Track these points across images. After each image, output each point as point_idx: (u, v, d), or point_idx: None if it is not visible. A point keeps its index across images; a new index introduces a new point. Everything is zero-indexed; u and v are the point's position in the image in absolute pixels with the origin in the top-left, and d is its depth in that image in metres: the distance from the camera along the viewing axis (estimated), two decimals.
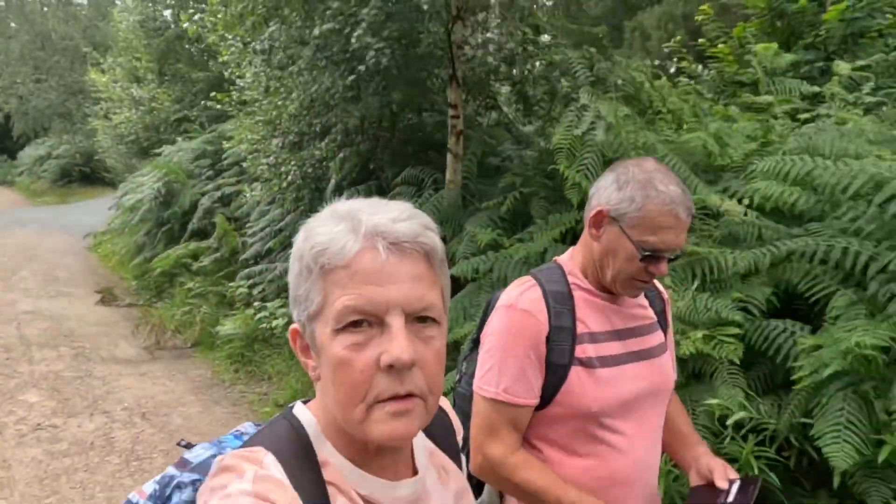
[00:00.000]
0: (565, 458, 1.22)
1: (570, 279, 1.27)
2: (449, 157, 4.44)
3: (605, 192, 1.21)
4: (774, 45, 4.83)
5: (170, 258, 6.82)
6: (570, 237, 3.23)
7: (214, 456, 0.78)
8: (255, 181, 6.43)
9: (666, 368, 1.32)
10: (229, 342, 5.48)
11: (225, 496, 0.60)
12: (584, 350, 1.20)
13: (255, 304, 5.48)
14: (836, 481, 1.92)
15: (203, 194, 7.33)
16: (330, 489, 0.67)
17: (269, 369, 5.09)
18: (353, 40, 2.87)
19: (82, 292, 7.65)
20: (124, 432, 3.94)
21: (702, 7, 5.61)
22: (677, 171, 2.84)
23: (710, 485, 1.20)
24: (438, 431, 0.84)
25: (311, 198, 5.05)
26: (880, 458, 1.86)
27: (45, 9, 20.49)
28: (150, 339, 5.84)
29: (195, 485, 0.75)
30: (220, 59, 5.28)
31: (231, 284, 6.15)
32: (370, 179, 4.83)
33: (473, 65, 3.93)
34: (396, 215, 0.65)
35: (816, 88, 3.65)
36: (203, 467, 0.76)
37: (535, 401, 1.20)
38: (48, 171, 19.21)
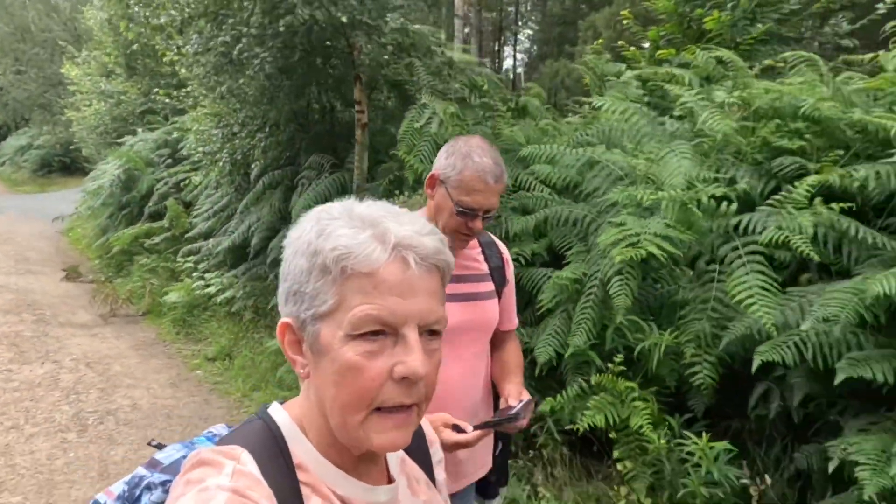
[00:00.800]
0: None
1: None
2: (356, 146, 5.21)
3: (438, 160, 1.50)
4: (673, 51, 5.54)
5: (125, 237, 7.57)
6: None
7: (185, 457, 0.75)
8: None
9: (488, 312, 1.58)
10: (173, 309, 6.24)
11: (202, 490, 0.59)
12: None
13: (195, 274, 6.25)
14: (537, 371, 2.72)
15: (159, 180, 8.05)
16: (304, 490, 0.67)
17: (205, 331, 5.86)
18: (235, 52, 3.64)
19: (50, 270, 8.35)
20: (69, 376, 4.70)
21: (623, 12, 6.33)
22: None
23: (508, 406, 1.45)
24: (412, 441, 0.84)
25: (241, 182, 5.81)
26: (566, 354, 2.65)
27: (27, 1, 20.95)
28: (104, 307, 6.58)
29: (165, 486, 0.74)
30: (164, 60, 5.99)
31: (179, 260, 6.90)
32: (289, 166, 5.59)
33: (367, 67, 4.69)
34: (419, 228, 0.66)
35: (640, 91, 4.41)
36: (174, 468, 0.76)
37: None
38: (29, 161, 19.82)
